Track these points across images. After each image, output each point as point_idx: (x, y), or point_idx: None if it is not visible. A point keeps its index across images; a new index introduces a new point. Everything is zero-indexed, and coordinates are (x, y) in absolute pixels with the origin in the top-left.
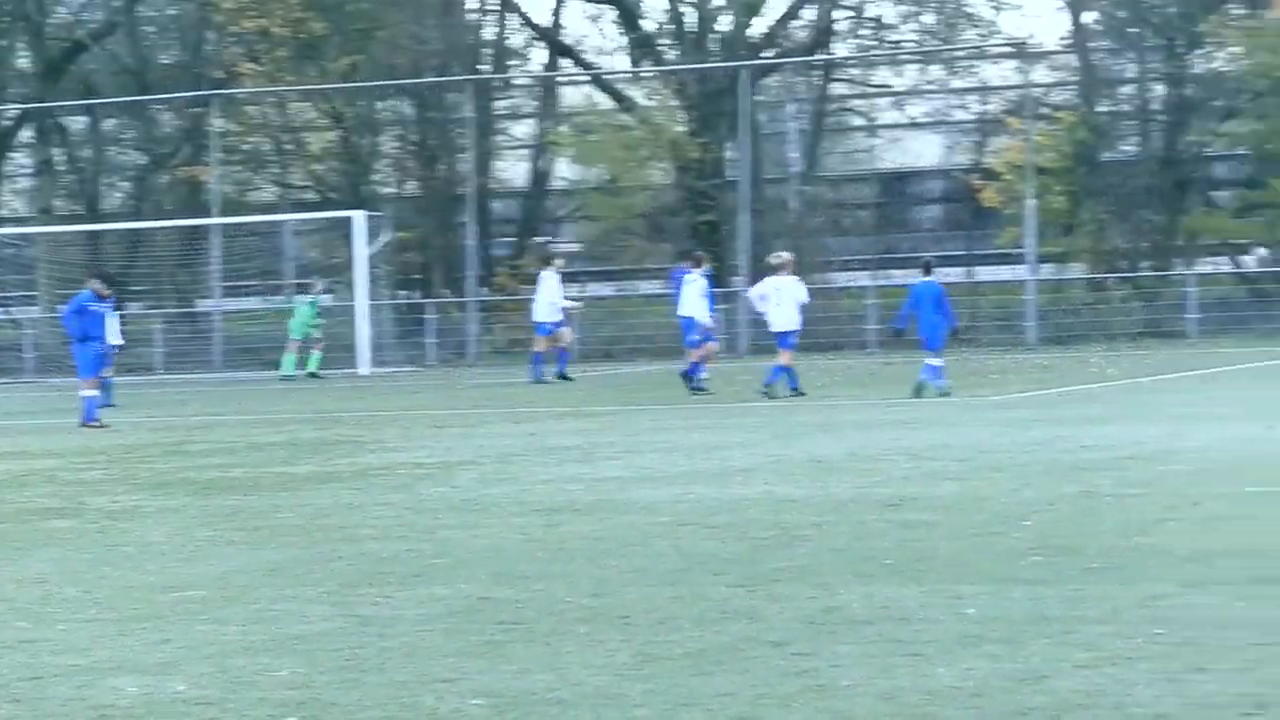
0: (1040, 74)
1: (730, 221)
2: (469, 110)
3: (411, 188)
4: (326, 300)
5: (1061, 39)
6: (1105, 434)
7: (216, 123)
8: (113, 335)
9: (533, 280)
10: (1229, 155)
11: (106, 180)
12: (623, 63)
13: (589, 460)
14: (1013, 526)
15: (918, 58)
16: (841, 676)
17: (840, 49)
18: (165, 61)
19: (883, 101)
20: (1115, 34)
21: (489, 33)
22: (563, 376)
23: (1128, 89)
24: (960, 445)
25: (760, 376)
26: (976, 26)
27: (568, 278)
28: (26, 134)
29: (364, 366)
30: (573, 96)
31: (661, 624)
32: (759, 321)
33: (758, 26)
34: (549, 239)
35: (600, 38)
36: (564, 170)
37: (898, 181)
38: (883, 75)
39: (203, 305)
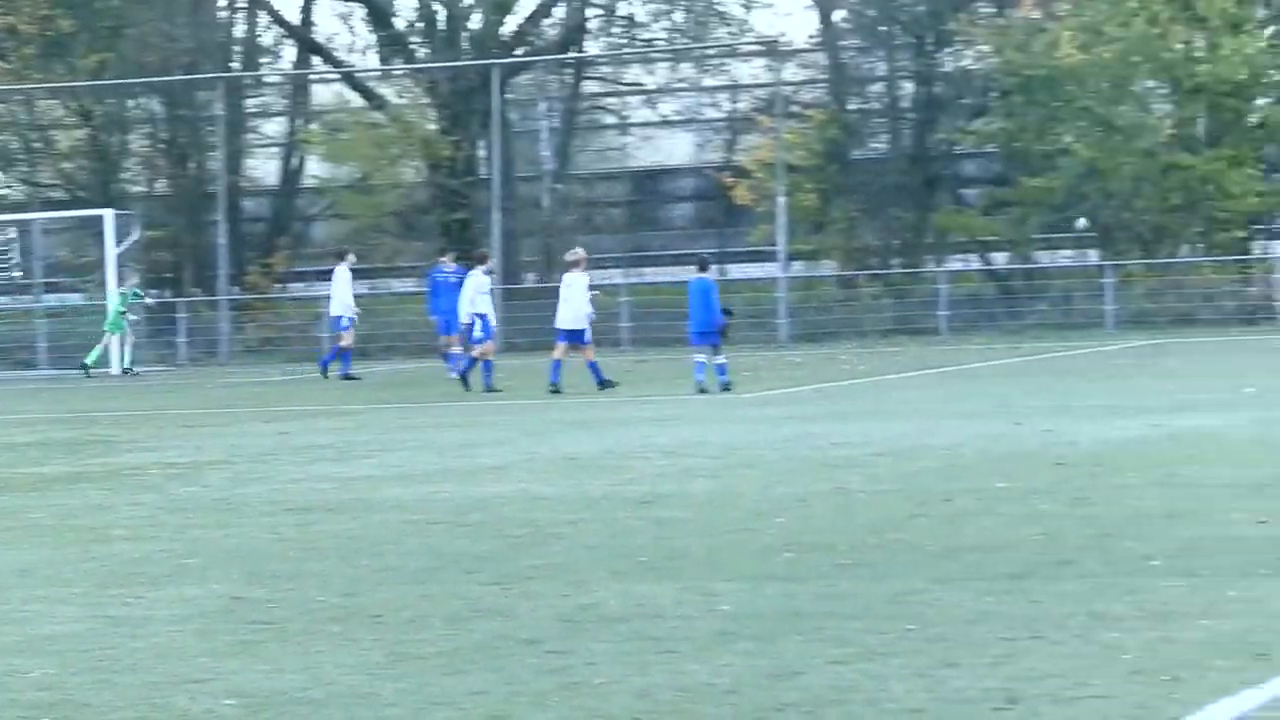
0: (790, 72)
1: (482, 219)
2: (219, 108)
3: (162, 186)
4: (141, 294)
5: (810, 37)
6: (857, 431)
7: None
8: None
9: (283, 279)
10: (977, 153)
11: None
12: (373, 61)
13: (341, 459)
14: (765, 523)
15: (669, 56)
16: (596, 674)
17: (592, 47)
18: None
19: (634, 100)
20: (865, 32)
21: (239, 30)
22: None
23: (877, 87)
24: (713, 443)
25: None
26: (727, 25)
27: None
28: None
29: (116, 366)
30: (323, 94)
31: (414, 623)
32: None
33: (509, 24)
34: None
35: (351, 35)
36: (315, 168)
37: (650, 179)
38: (634, 73)
39: None
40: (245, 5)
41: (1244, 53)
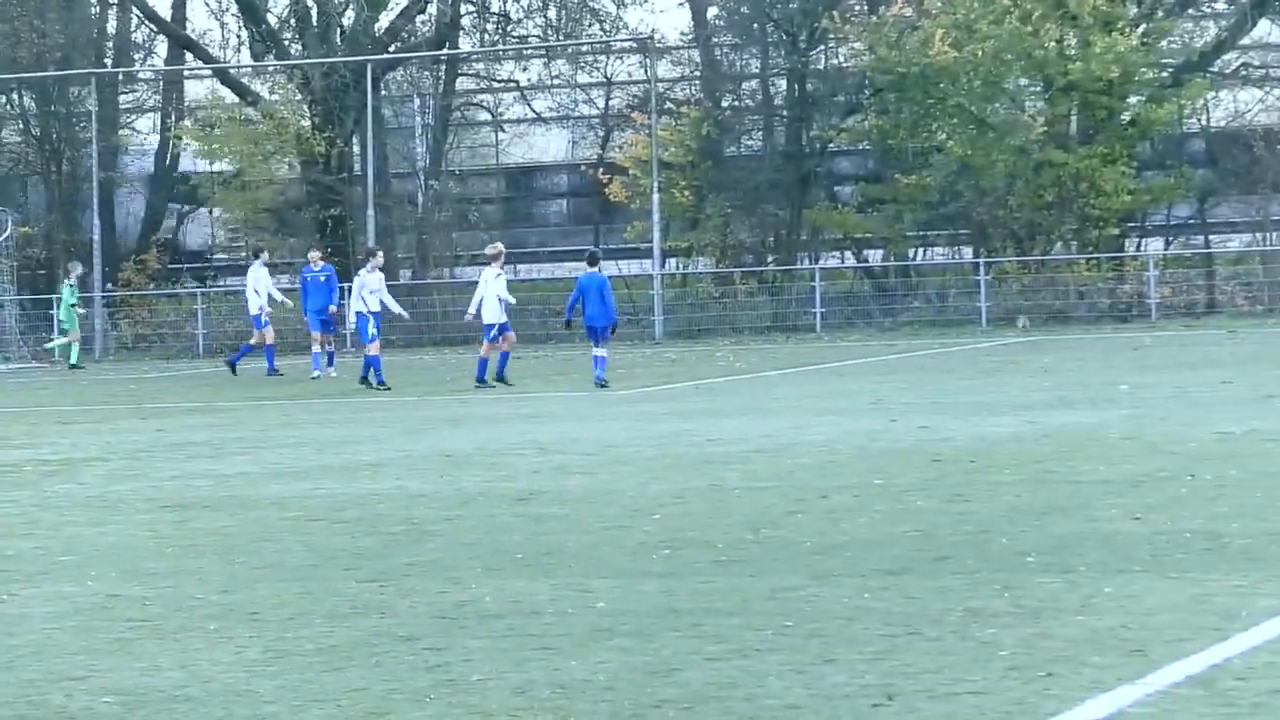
0: (664, 69)
1: (357, 216)
2: (92, 104)
3: (35, 182)
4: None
5: (684, 34)
6: (733, 428)
7: None
8: None
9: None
10: (852, 151)
11: None
12: (247, 57)
13: (218, 456)
14: (642, 520)
15: (542, 53)
16: (473, 670)
17: (465, 44)
18: None
19: (508, 96)
20: (738, 29)
21: (112, 26)
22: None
23: (751, 84)
24: (589, 439)
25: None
26: (601, 21)
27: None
28: None
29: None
30: (197, 91)
31: (292, 620)
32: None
33: (382, 21)
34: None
35: (224, 31)
36: (189, 165)
37: (524, 176)
38: (508, 70)
39: None
40: (117, 1)
41: (1116, 51)
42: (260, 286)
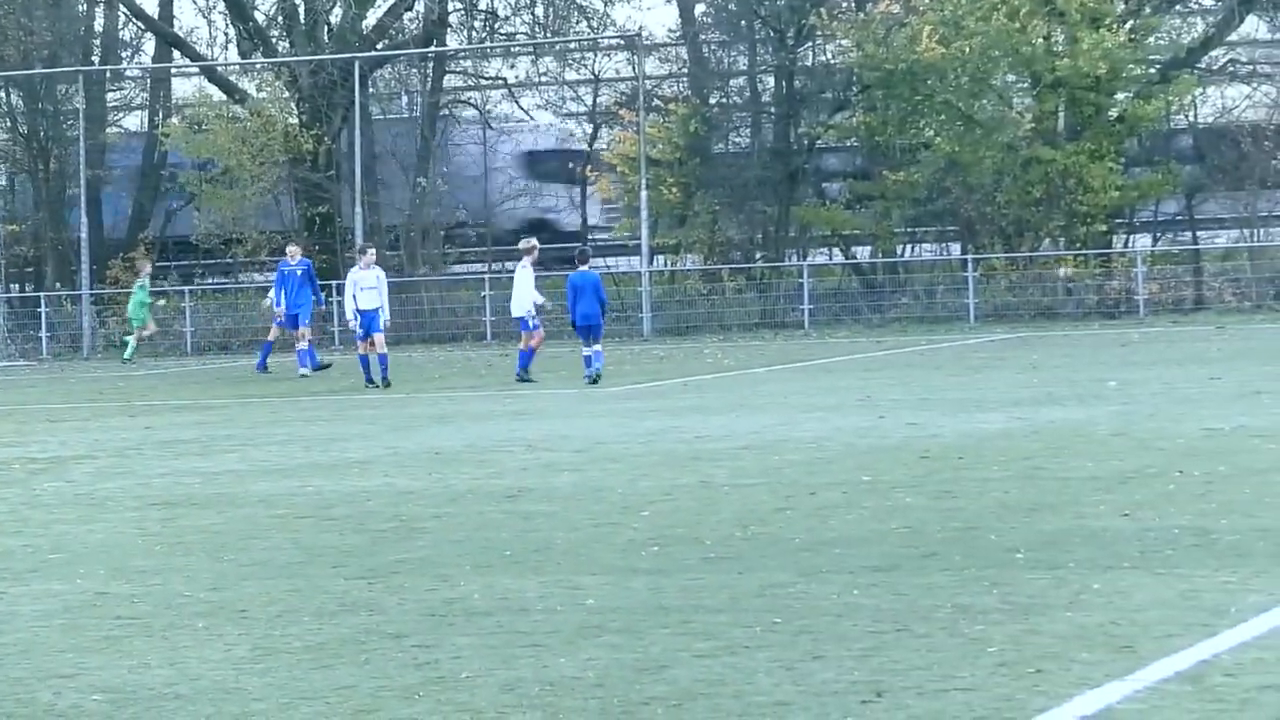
0: (652, 66)
1: (344, 214)
2: (80, 102)
3: (22, 180)
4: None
5: (671, 31)
6: (721, 424)
7: None
8: None
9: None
10: (839, 147)
11: None
12: (234, 55)
13: (206, 453)
14: (631, 517)
15: (530, 50)
16: (462, 668)
17: (453, 41)
18: None
19: (496, 93)
20: (725, 26)
21: (99, 24)
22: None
23: (739, 81)
24: (577, 436)
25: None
26: (588, 18)
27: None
28: None
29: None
30: (184, 88)
31: (280, 617)
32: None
33: (370, 18)
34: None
35: (211, 29)
36: (177, 163)
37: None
38: (496, 67)
39: None
40: None
41: (1103, 47)
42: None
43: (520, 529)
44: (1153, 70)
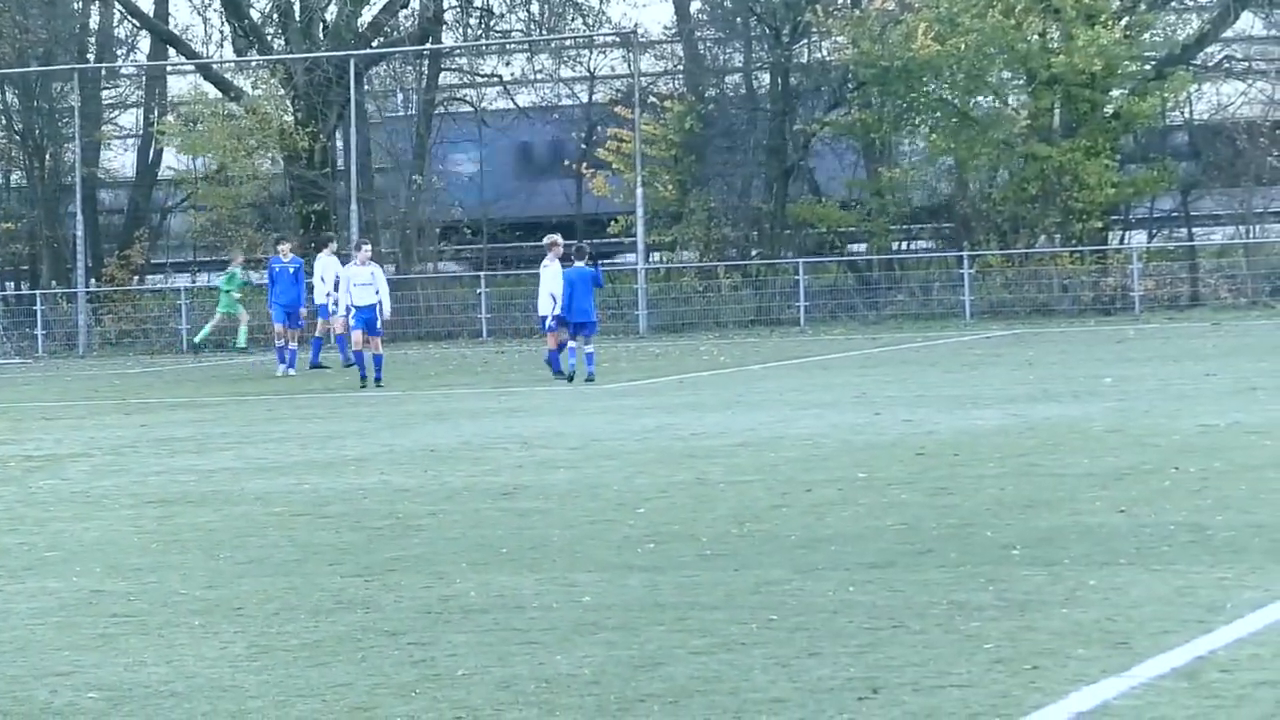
0: (647, 63)
1: (340, 211)
2: (75, 100)
3: (17, 178)
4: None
5: (667, 28)
6: (717, 422)
7: None
8: None
9: (140, 272)
10: (835, 144)
11: None
12: (229, 52)
13: (202, 451)
14: (626, 514)
15: (525, 47)
16: (458, 665)
17: (448, 38)
18: None
19: (491, 91)
20: (721, 23)
21: (94, 22)
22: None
23: (734, 78)
24: (573, 433)
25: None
26: (583, 16)
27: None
28: None
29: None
30: (179, 86)
31: (276, 615)
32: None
33: (365, 16)
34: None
35: (206, 27)
36: (172, 160)
37: None
38: (491, 65)
39: None
40: None
41: (1099, 44)
42: (328, 275)
43: (516, 526)
44: (1148, 67)
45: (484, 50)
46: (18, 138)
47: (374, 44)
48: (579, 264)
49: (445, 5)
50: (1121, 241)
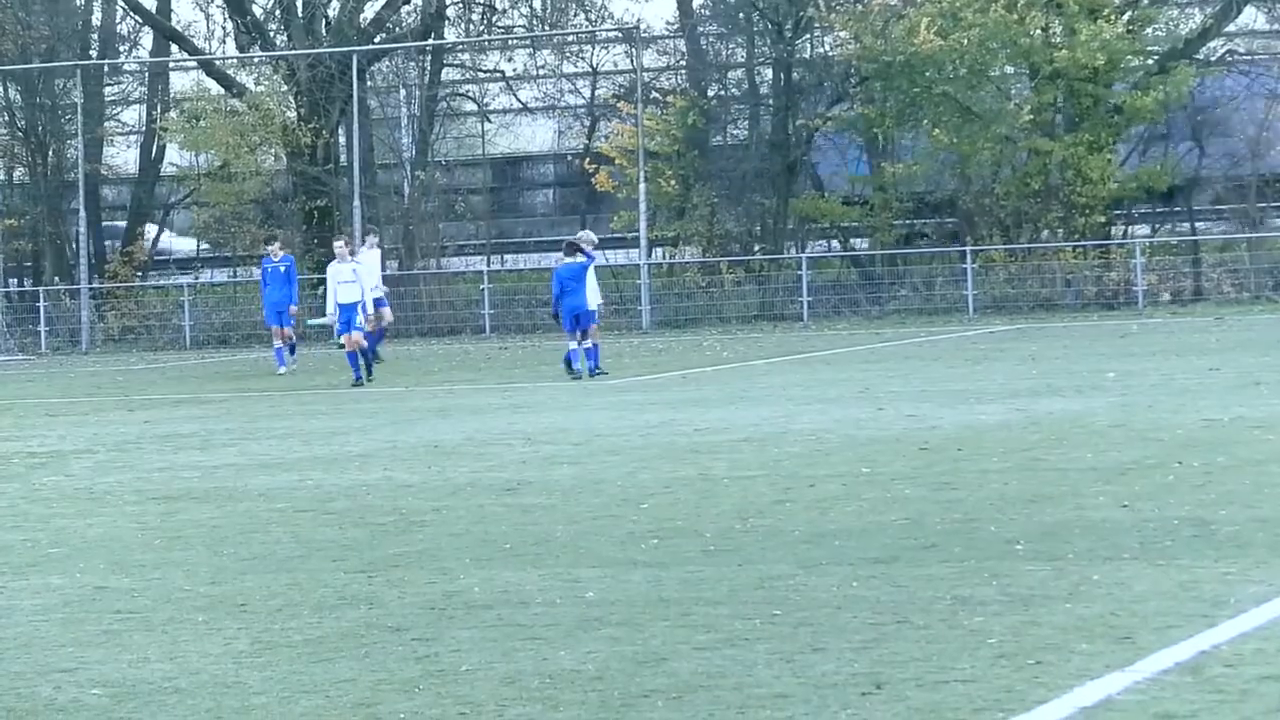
0: (650, 58)
1: (342, 207)
2: (77, 96)
3: (20, 175)
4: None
5: (669, 23)
6: (721, 417)
7: None
8: None
9: (143, 268)
10: (837, 139)
11: None
12: (232, 48)
13: (206, 447)
14: (630, 510)
15: (528, 43)
16: (462, 661)
17: (450, 34)
18: None
19: (494, 87)
20: (723, 18)
21: (97, 18)
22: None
23: (737, 73)
24: (576, 429)
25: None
26: (586, 11)
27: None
28: None
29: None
30: (182, 82)
31: (280, 611)
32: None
33: (368, 11)
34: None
35: (209, 23)
36: (175, 157)
37: (511, 166)
38: (494, 60)
39: None
40: None
41: (1101, 38)
42: (375, 268)
43: (519, 522)
44: (1151, 61)
45: (486, 46)
46: (20, 134)
47: (376, 40)
48: (566, 260)
49: (447, 1)
50: (1124, 236)
